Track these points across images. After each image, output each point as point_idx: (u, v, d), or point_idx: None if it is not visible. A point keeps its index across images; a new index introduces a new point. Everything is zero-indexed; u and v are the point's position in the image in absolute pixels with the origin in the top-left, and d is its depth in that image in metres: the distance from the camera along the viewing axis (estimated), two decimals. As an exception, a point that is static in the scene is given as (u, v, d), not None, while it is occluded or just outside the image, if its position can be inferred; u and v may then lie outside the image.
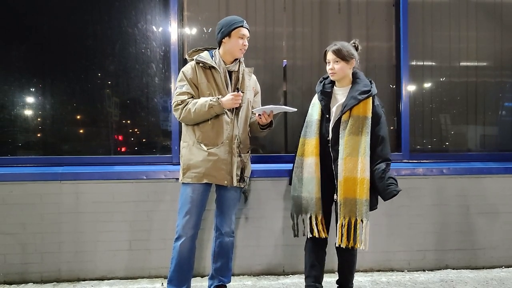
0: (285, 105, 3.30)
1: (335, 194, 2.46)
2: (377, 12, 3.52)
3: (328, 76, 2.56)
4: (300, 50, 3.47)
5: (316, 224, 2.49)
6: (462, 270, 3.29)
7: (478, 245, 3.34)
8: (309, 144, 2.53)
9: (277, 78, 3.46)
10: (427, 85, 3.61)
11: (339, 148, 2.44)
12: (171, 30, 3.24)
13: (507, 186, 3.37)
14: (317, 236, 2.50)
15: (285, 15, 3.46)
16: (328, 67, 2.51)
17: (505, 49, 3.63)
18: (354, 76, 2.54)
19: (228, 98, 2.48)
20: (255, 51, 3.40)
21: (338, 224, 2.44)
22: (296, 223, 2.57)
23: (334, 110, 2.51)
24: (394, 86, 3.52)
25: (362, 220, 2.40)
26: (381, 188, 2.40)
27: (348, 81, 2.53)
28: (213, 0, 3.39)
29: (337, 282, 2.66)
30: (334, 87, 2.57)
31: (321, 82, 2.64)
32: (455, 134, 3.64)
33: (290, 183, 2.70)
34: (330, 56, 2.48)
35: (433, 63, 3.60)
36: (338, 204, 2.43)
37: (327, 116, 2.52)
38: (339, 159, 2.44)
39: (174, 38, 3.23)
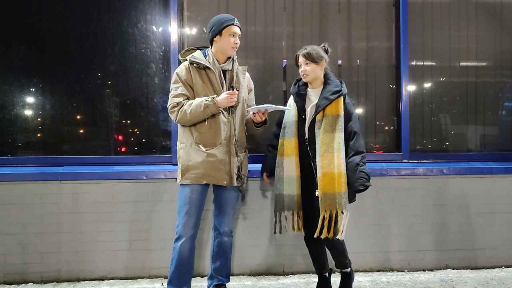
0: (284, 104, 3.29)
1: (316, 190, 2.54)
2: (377, 12, 3.52)
3: (301, 78, 2.68)
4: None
5: (297, 220, 2.64)
6: (462, 270, 3.29)
7: (478, 245, 3.34)
8: (288, 144, 2.65)
9: (277, 78, 3.46)
10: (427, 85, 3.60)
11: (316, 146, 2.55)
12: (171, 30, 3.24)
13: (507, 186, 3.37)
14: (298, 232, 2.65)
15: (285, 15, 3.46)
16: (300, 70, 2.64)
17: (505, 49, 3.63)
18: (326, 77, 2.67)
19: (223, 97, 2.48)
20: (255, 51, 3.40)
21: (320, 218, 2.51)
22: (279, 220, 2.69)
23: (309, 111, 2.64)
24: (394, 86, 3.52)
25: (342, 212, 2.48)
26: (351, 180, 2.50)
27: (320, 83, 2.66)
28: (213, 0, 3.39)
29: (336, 266, 2.72)
30: (308, 88, 2.69)
31: (295, 84, 2.76)
32: (455, 134, 3.64)
33: (261, 175, 2.87)
34: (301, 59, 2.64)
35: (433, 63, 3.60)
36: (319, 199, 2.50)
37: (303, 116, 2.64)
38: (317, 156, 2.54)
39: (174, 38, 3.24)
